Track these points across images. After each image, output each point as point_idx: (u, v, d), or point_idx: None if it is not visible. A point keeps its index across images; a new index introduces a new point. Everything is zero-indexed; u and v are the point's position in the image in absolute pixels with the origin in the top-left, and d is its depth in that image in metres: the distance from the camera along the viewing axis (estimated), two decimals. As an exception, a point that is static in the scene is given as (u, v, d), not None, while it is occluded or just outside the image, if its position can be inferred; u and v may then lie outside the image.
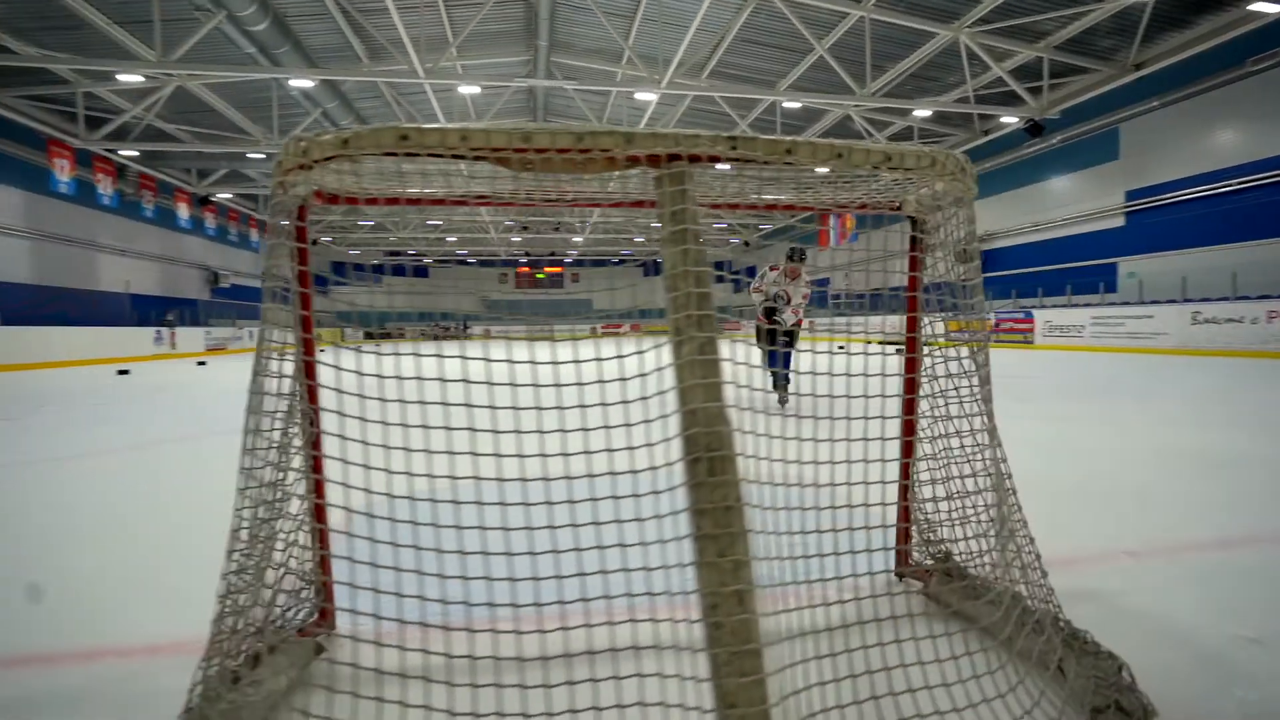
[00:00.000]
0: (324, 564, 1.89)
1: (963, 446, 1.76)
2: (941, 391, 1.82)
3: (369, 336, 45.35)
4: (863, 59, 15.93)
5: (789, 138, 1.30)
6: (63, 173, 18.94)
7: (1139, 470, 3.68)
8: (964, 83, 17.24)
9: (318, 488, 1.86)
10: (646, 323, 51.40)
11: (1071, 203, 20.66)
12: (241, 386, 1.26)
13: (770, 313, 6.80)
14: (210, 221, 27.71)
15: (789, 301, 6.79)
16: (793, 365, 6.68)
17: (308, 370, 1.86)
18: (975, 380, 1.76)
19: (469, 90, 18.29)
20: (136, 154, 21.25)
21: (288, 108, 19.73)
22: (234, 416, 1.65)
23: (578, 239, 44.67)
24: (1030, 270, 21.86)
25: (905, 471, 1.99)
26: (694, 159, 1.30)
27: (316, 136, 1.30)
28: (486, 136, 1.25)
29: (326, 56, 17.18)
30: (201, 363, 19.17)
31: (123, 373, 14.65)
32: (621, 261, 53.23)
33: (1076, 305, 18.97)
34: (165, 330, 22.85)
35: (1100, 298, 18.62)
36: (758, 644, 1.01)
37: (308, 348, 1.86)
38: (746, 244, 44.88)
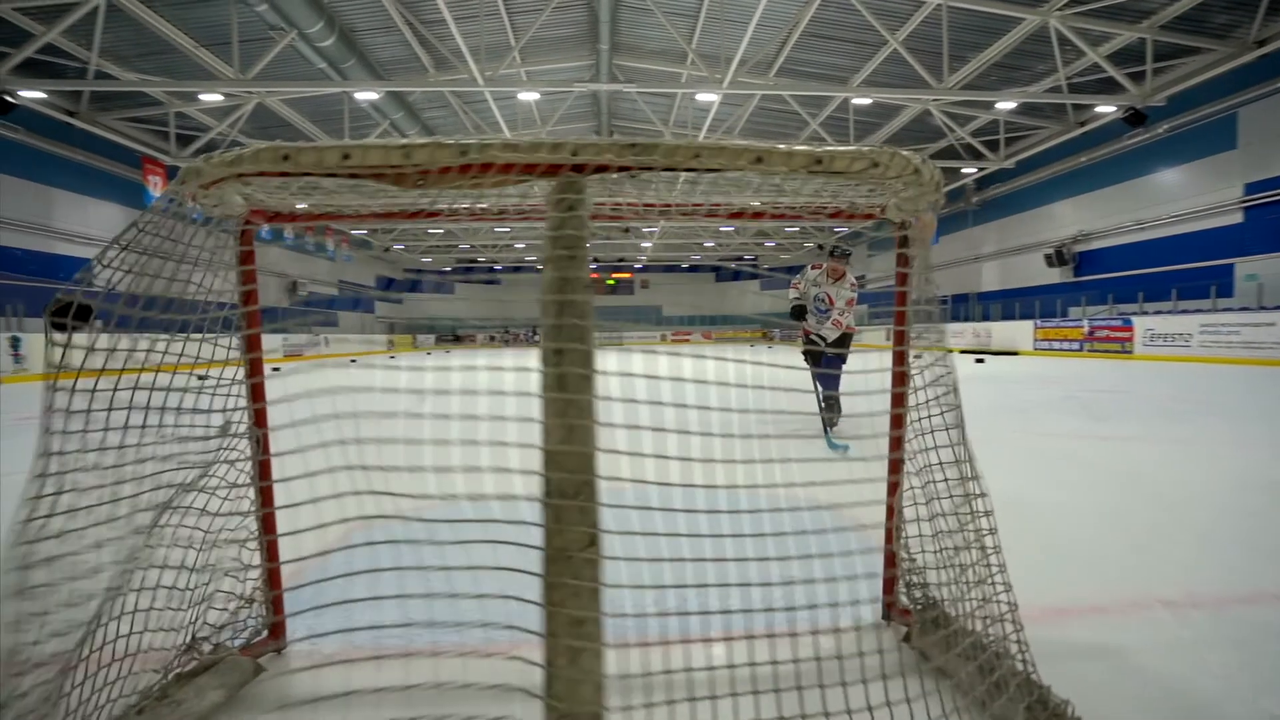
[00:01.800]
0: (273, 578, 1.89)
1: (933, 480, 1.61)
2: (917, 416, 1.67)
3: (441, 342, 46.67)
4: (940, 50, 15.38)
5: (699, 142, 1.20)
6: (155, 188, 20.20)
7: (1213, 506, 3.35)
8: (1055, 71, 16.41)
9: (265, 496, 1.86)
10: (718, 329, 51.08)
11: (1180, 198, 19.38)
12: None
13: (799, 313, 6.25)
14: (288, 231, 29.05)
15: (831, 306, 6.23)
16: (844, 385, 6.09)
17: (255, 392, 1.86)
18: (943, 402, 1.61)
19: (529, 97, 18.56)
20: (219, 169, 22.44)
21: (358, 120, 20.50)
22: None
23: (646, 244, 44.78)
24: (1130, 273, 20.62)
25: (892, 503, 1.84)
26: (599, 168, 1.22)
27: (208, 159, 1.29)
28: (364, 154, 1.20)
29: (394, 68, 17.77)
30: (276, 369, 19.92)
31: (201, 379, 15.46)
32: (694, 268, 53.11)
33: (1183, 311, 17.74)
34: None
35: (1212, 303, 17.36)
36: (597, 707, 0.92)
37: (255, 368, 1.86)
38: (820, 247, 44.02)
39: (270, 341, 25.34)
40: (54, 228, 19.07)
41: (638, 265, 53.27)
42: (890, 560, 1.87)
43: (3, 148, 17.28)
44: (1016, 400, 8.72)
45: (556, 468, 1.02)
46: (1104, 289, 20.98)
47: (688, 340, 49.00)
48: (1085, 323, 19.87)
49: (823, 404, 5.82)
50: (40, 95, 15.45)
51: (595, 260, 52.26)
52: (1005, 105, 18.33)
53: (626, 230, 38.94)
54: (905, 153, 1.28)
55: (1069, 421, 6.54)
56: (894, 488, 1.93)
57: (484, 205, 1.82)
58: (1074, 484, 3.83)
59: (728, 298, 52.34)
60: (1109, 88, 16.85)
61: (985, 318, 26.80)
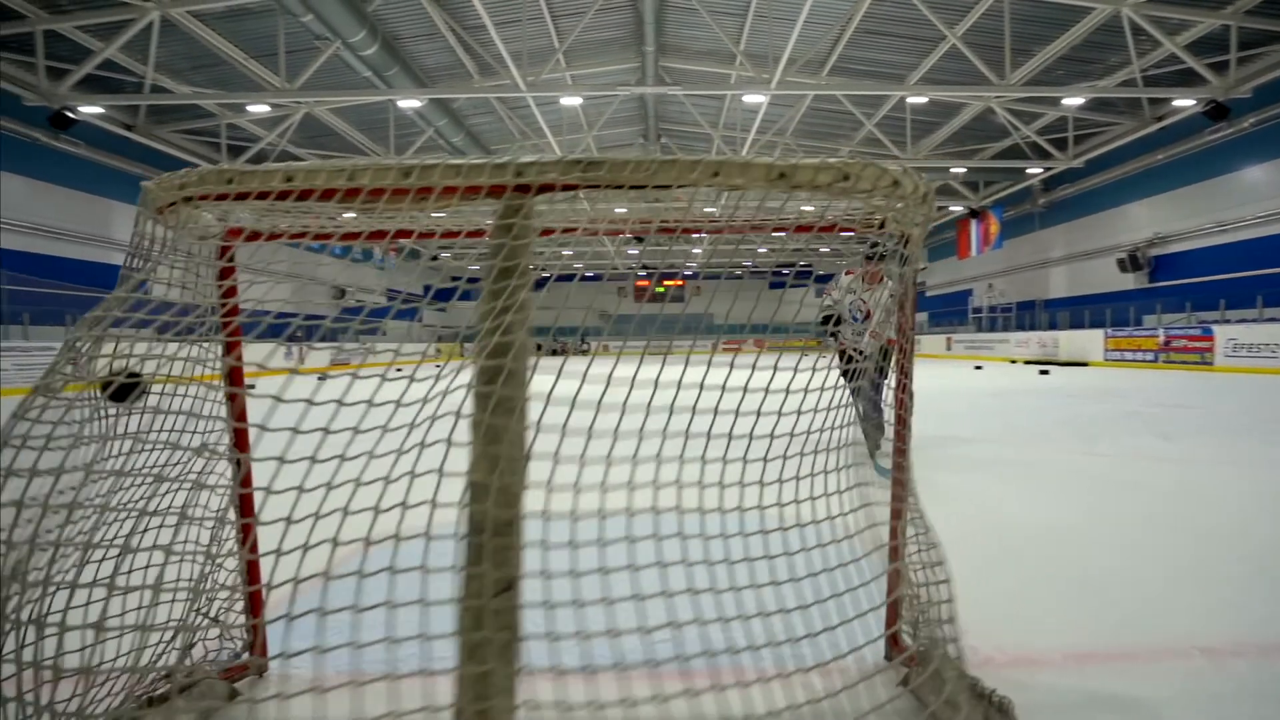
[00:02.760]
0: (254, 600, 1.90)
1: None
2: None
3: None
4: (1002, 44, 14.99)
5: (650, 158, 1.16)
6: (204, 199, 20.97)
7: (1275, 541, 3.14)
8: (1129, 63, 15.86)
9: (245, 505, 1.87)
10: (771, 338, 50.45)
11: (1266, 197, 18.46)
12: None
13: (830, 320, 5.92)
14: (337, 240, 29.84)
15: (867, 316, 5.88)
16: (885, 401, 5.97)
17: (236, 412, 1.88)
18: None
19: (572, 101, 18.73)
20: (269, 179, 23.23)
21: (403, 127, 20.97)
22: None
23: (697, 250, 44.61)
24: (1211, 278, 19.72)
25: (894, 530, 1.77)
26: (544, 188, 1.19)
27: (157, 183, 1.30)
28: (308, 176, 1.19)
29: (438, 75, 18.12)
30: (321, 378, 20.44)
31: (250, 387, 15.94)
32: (745, 274, 52.74)
33: (1271, 320, 16.87)
34: (294, 346, 24.75)
35: (1303, 309, 16.51)
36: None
37: (235, 377, 1.88)
38: (874, 250, 43.21)
39: (319, 351, 25.90)
40: (113, 239, 19.94)
41: (688, 271, 53.13)
42: (894, 585, 1.78)
43: (64, 161, 18.15)
44: (1076, 415, 8.40)
45: (478, 501, 0.99)
46: (1182, 295, 20.12)
47: (739, 350, 48.61)
48: (1161, 332, 19.06)
49: (864, 427, 5.58)
50: (98, 110, 16.19)
51: (645, 267, 52.48)
52: (1073, 101, 17.76)
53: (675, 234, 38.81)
54: (881, 164, 1.22)
55: (1130, 440, 6.25)
56: (898, 513, 1.86)
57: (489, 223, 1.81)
58: (1118, 510, 3.65)
59: (782, 305, 51.95)
60: (1188, 79, 16.20)
61: (1052, 326, 25.95)
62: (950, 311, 36.47)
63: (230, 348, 1.82)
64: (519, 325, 1.08)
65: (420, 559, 1.26)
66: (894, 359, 5.94)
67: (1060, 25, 15.51)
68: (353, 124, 21.51)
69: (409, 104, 17.37)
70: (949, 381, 16.00)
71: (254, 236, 1.79)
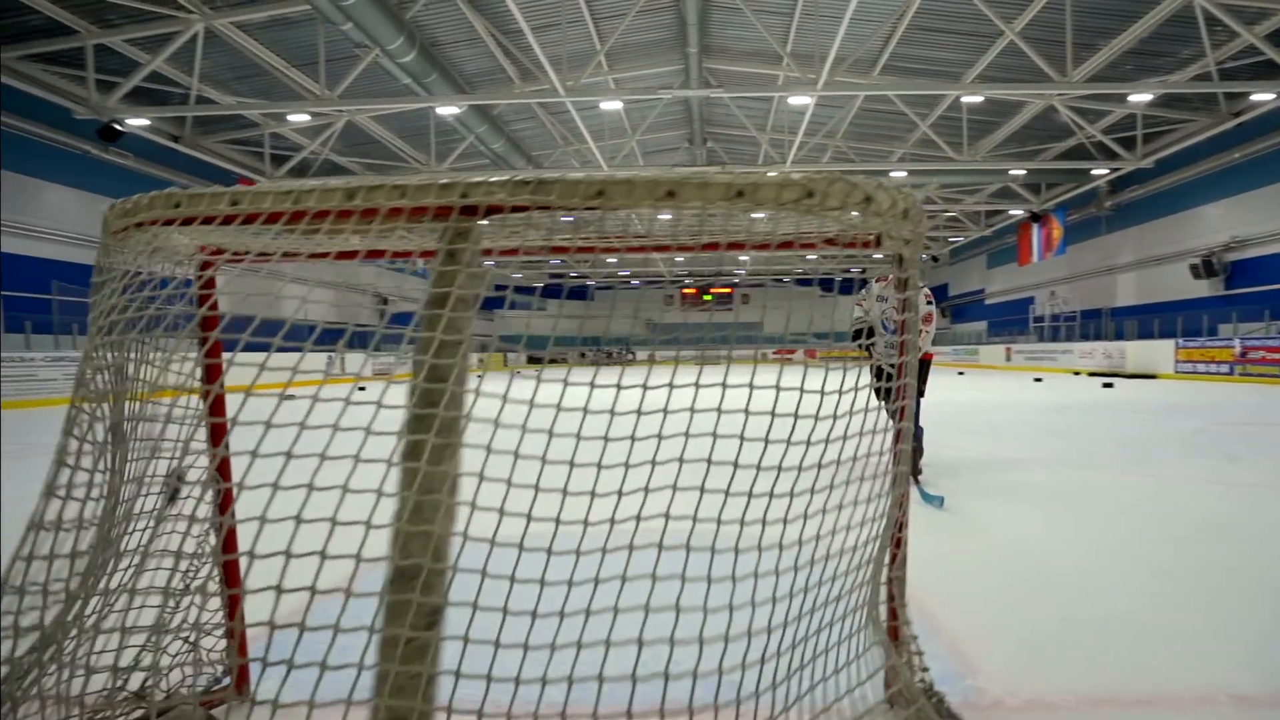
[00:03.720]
0: (235, 624, 1.92)
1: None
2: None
3: (532, 361, 47.65)
4: (1063, 39, 14.63)
5: (602, 178, 1.14)
6: (248, 208, 21.64)
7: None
8: (1203, 56, 15.31)
9: (228, 542, 1.90)
10: (823, 347, 50.01)
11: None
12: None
13: (862, 334, 5.53)
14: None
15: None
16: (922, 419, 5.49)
17: (215, 434, 1.91)
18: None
19: (612, 106, 18.83)
20: (311, 187, 23.87)
21: (444, 134, 21.31)
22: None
23: (744, 257, 44.40)
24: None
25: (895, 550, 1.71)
26: (492, 210, 1.18)
27: (111, 209, 1.33)
28: (254, 200, 1.20)
29: (479, 81, 18.40)
30: (361, 388, 20.82)
31: (288, 398, 16.36)
32: (799, 280, 52.31)
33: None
34: (336, 355, 25.30)
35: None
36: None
37: (216, 408, 1.91)
38: (935, 259, 42.49)
39: (356, 361, 26.53)
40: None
41: (736, 279, 52.98)
42: (894, 613, 1.72)
43: (113, 174, 18.87)
44: (1138, 433, 8.11)
45: (399, 545, 0.98)
46: (1261, 303, 19.29)
47: (790, 360, 48.24)
48: (1237, 342, 18.30)
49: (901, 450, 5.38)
50: (144, 122, 16.81)
51: (691, 275, 52.46)
52: (1142, 98, 17.24)
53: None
54: (852, 179, 1.17)
55: (1194, 461, 6.00)
56: (898, 541, 1.80)
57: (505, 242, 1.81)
58: (1158, 542, 3.49)
59: (836, 312, 51.34)
60: (1267, 71, 15.55)
61: (1119, 336, 25.14)
62: (1010, 321, 35.63)
63: (211, 372, 1.85)
64: (453, 354, 1.07)
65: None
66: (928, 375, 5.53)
67: (1127, 17, 15.07)
68: (394, 132, 21.95)
69: (447, 111, 17.66)
70: (1004, 395, 15.60)
71: (227, 255, 1.82)
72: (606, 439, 1.23)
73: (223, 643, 1.92)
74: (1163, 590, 2.75)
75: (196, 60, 14.88)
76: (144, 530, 1.82)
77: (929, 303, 5.39)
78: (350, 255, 1.69)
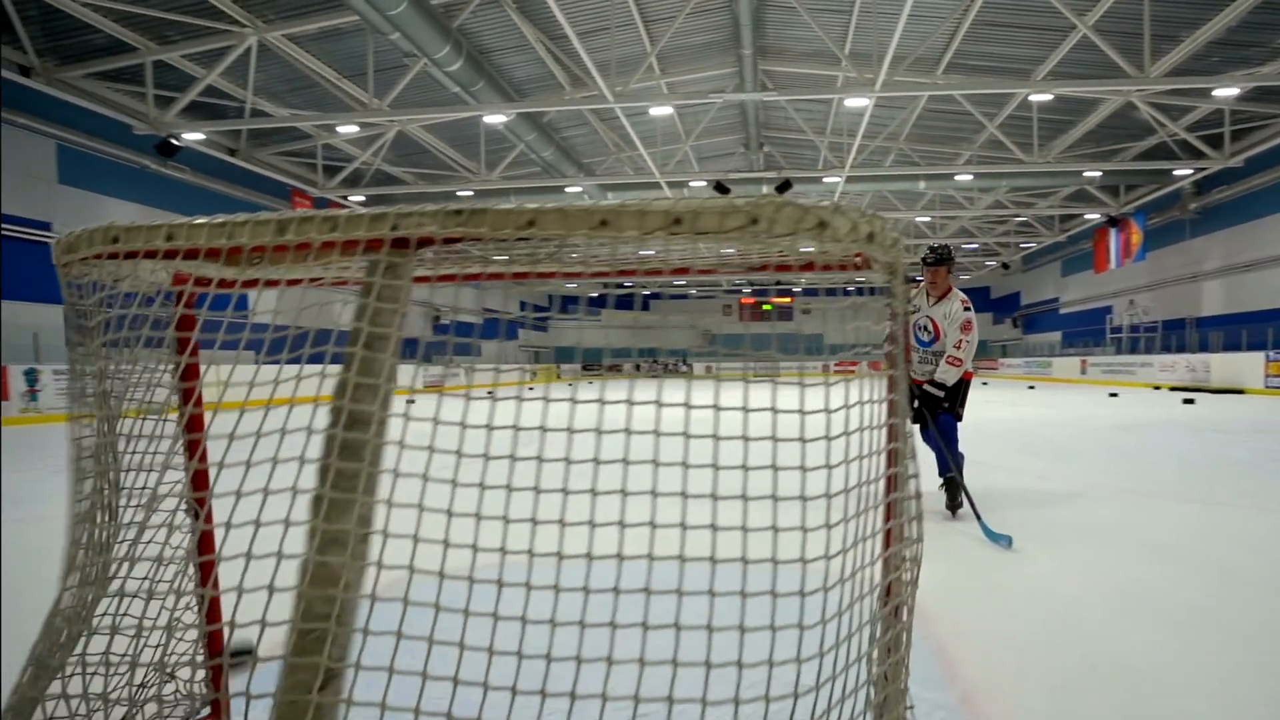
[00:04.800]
0: (214, 643, 1.94)
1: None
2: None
3: (587, 371, 47.97)
4: (1141, 31, 14.12)
5: (533, 208, 1.11)
6: (301, 219, 22.32)
7: None
8: (1298, 45, 14.64)
9: (204, 572, 1.92)
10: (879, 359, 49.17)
11: None
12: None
13: None
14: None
15: (937, 335, 5.10)
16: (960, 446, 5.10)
17: (195, 454, 1.93)
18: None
19: (662, 111, 18.86)
20: (363, 198, 24.49)
21: (494, 142, 21.63)
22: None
23: (806, 264, 43.81)
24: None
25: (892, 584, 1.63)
26: (423, 241, 1.17)
27: (57, 243, 1.36)
28: (189, 233, 1.21)
29: (529, 88, 18.63)
30: (410, 400, 21.22)
31: (410, 402, 16.80)
32: (861, 289, 51.52)
33: None
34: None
35: None
36: None
37: (193, 425, 1.93)
38: (1005, 266, 41.39)
39: (408, 373, 27.13)
40: (215, 261, 21.43)
41: (796, 289, 52.47)
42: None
43: (171, 188, 19.68)
44: (1214, 455, 7.73)
45: (305, 612, 0.96)
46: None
47: (852, 371, 47.55)
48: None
49: (944, 478, 4.97)
50: (200, 136, 17.49)
51: (750, 284, 52.06)
52: (1229, 92, 16.52)
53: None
54: (804, 203, 1.11)
55: (1272, 487, 5.67)
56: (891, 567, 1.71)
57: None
58: (1217, 578, 3.28)
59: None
60: (1370, 63, 14.79)
61: (1203, 348, 24.05)
62: (1086, 331, 34.49)
63: (187, 395, 1.87)
64: (372, 399, 1.05)
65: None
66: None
67: (1211, 5, 14.46)
68: (445, 141, 22.38)
69: (495, 119, 17.92)
70: (1073, 411, 15.07)
71: (203, 281, 1.84)
72: (597, 460, 1.20)
73: (201, 673, 1.94)
74: (1198, 641, 2.58)
75: (250, 73, 15.41)
76: (126, 559, 1.86)
77: (965, 309, 5.03)
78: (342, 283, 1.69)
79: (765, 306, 53.07)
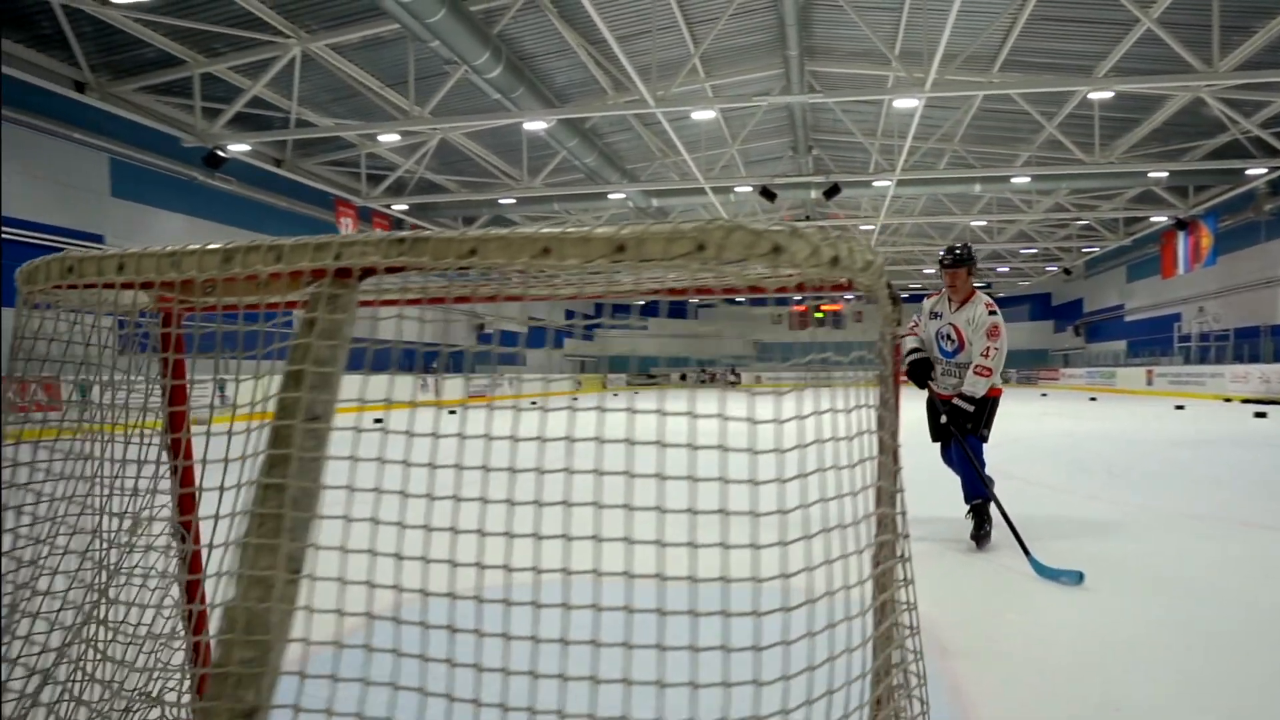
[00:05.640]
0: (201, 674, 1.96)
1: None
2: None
3: (632, 383, 48.00)
4: (1209, 23, 13.67)
5: (476, 235, 1.09)
6: (347, 229, 22.80)
7: None
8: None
9: (198, 624, 1.94)
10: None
11: None
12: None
13: (919, 372, 4.85)
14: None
15: (962, 344, 4.77)
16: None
17: (183, 479, 1.95)
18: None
19: (704, 116, 18.82)
20: (406, 207, 24.92)
21: (537, 149, 21.83)
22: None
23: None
24: None
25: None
26: (366, 271, 1.16)
27: (18, 273, 1.38)
28: (138, 263, 1.22)
29: (571, 93, 18.77)
30: (453, 411, 21.42)
31: (378, 421, 17.03)
32: (914, 297, 50.81)
33: None
34: (429, 378, 26.16)
35: None
36: None
37: (185, 475, 1.95)
38: (1068, 272, 40.34)
39: (456, 383, 27.34)
40: (263, 271, 22.02)
41: (849, 296, 51.87)
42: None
43: (218, 199, 20.27)
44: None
45: (220, 651, 0.95)
46: None
47: (905, 381, 46.85)
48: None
49: (971, 507, 4.63)
50: (245, 148, 18.00)
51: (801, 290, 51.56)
52: (1307, 86, 15.86)
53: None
54: (756, 227, 1.07)
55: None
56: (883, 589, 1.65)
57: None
58: (1252, 615, 3.11)
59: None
60: None
61: (1278, 358, 23.11)
62: (1152, 340, 33.44)
63: (175, 421, 1.89)
64: (309, 441, 1.04)
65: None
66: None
67: (1288, -5, 13.95)
68: (488, 148, 22.66)
69: (535, 126, 18.08)
70: (1135, 425, 14.60)
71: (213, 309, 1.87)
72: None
73: (187, 696, 1.96)
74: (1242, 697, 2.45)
75: (295, 83, 15.80)
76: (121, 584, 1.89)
77: (991, 312, 4.70)
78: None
79: (817, 314, 52.52)
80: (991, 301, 4.75)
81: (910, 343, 4.99)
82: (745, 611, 1.13)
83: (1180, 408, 19.97)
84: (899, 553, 1.57)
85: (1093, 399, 26.90)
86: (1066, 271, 40.16)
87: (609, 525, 1.08)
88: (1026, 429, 14.19)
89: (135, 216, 18.31)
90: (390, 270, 1.14)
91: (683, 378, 48.48)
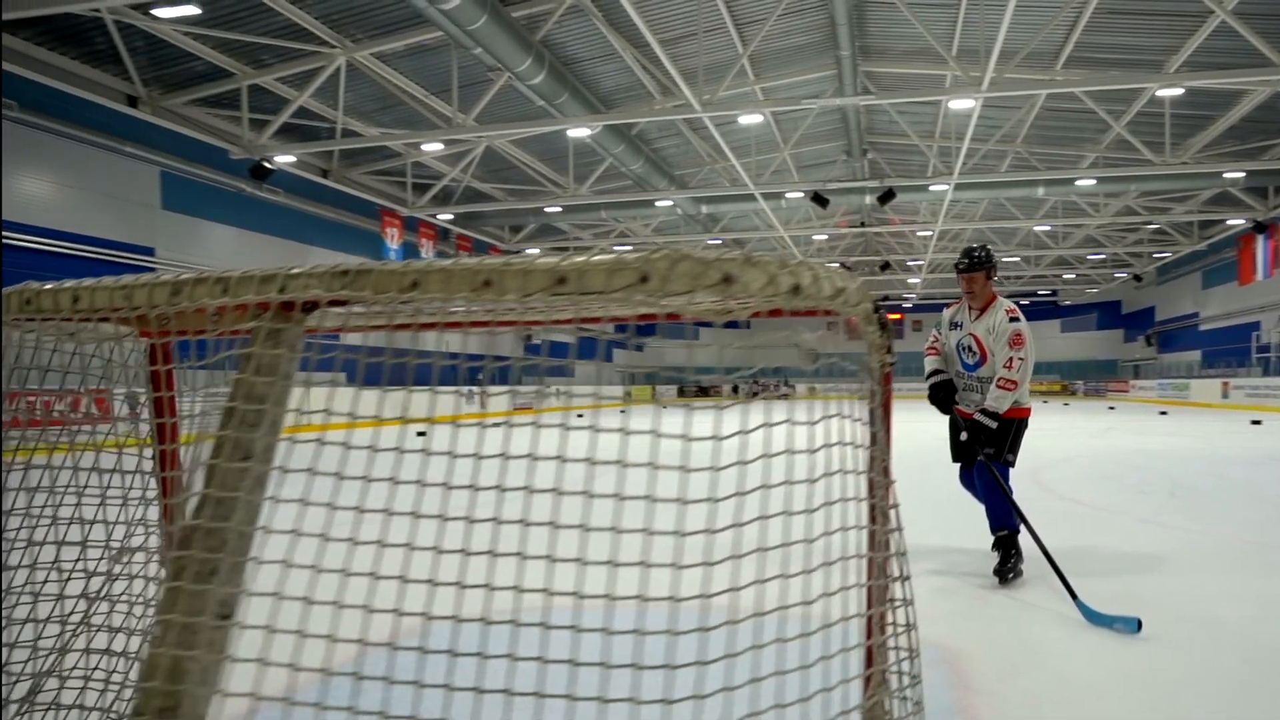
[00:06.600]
0: None
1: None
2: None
3: (683, 394, 47.87)
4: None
5: (418, 266, 1.08)
6: (392, 240, 23.24)
7: None
8: None
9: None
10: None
11: None
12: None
13: (941, 396, 4.57)
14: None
15: (983, 356, 4.48)
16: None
17: (167, 514, 1.98)
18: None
19: (751, 120, 18.72)
20: (451, 216, 25.30)
21: (583, 155, 21.95)
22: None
23: (914, 280, 42.69)
24: None
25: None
26: (309, 304, 1.15)
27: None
28: (91, 296, 1.23)
29: (617, 98, 18.84)
30: (420, 434, 21.43)
31: (421, 434, 17.26)
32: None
33: None
34: (475, 389, 26.43)
35: None
36: None
37: (165, 488, 1.98)
38: (1138, 279, 39.12)
39: (503, 394, 27.46)
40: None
41: (907, 304, 51.15)
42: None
43: (266, 210, 20.83)
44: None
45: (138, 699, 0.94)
46: None
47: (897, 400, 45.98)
48: None
49: (999, 538, 4.33)
50: (290, 159, 18.47)
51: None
52: (1399, 79, 15.15)
53: (885, 266, 37.49)
54: (706, 257, 1.03)
55: None
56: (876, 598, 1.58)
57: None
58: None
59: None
60: None
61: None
62: (1229, 350, 32.25)
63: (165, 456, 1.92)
64: (241, 483, 1.03)
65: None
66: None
67: (1373, -17, 13.38)
68: (534, 155, 22.89)
69: (578, 132, 18.19)
70: (1205, 441, 14.04)
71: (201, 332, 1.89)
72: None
73: None
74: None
75: (340, 93, 16.16)
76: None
77: (1013, 319, 4.41)
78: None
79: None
80: (1014, 307, 4.49)
81: (931, 363, 4.75)
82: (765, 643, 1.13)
83: (1257, 422, 19.19)
84: (892, 573, 1.51)
85: (1163, 413, 26.04)
86: (1137, 278, 39.01)
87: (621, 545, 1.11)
88: (1088, 446, 13.78)
89: (185, 229, 18.91)
90: (333, 304, 1.13)
91: (735, 390, 48.19)
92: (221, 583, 1.00)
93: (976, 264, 4.44)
